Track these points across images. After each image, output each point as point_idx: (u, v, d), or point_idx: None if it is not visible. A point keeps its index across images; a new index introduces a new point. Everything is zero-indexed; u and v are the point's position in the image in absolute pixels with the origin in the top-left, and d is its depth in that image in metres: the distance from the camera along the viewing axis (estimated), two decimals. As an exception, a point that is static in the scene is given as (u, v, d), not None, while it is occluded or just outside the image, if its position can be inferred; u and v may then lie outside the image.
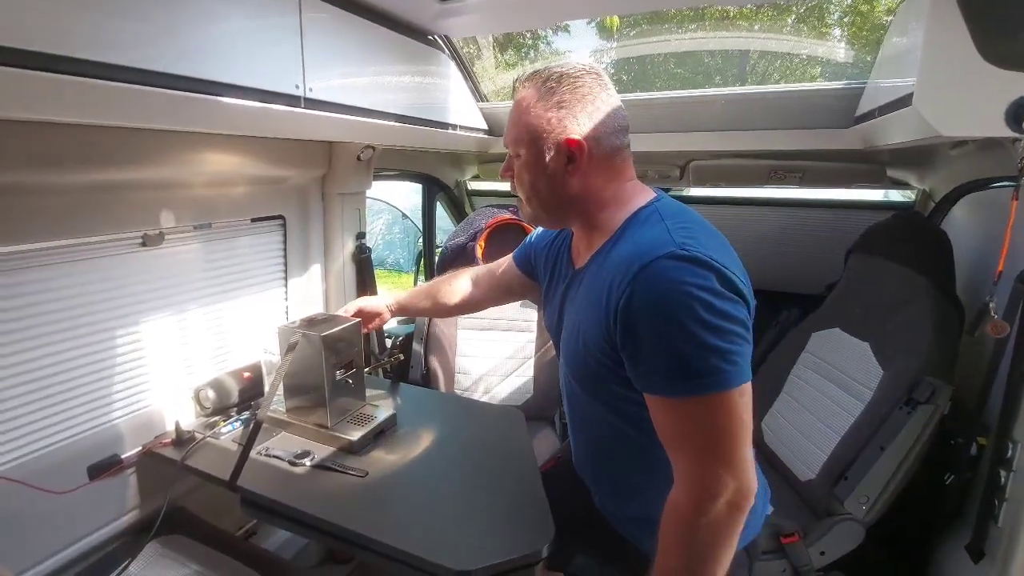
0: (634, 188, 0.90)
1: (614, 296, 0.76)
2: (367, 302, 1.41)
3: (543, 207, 0.90)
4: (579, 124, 0.83)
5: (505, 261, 1.32)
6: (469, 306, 1.39)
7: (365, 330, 1.39)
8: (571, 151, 0.83)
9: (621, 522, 1.01)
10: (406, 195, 7.42)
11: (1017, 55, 0.92)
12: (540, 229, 1.20)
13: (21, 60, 0.69)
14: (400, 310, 1.44)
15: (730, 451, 0.72)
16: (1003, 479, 1.15)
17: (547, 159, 0.85)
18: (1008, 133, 0.94)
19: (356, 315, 1.37)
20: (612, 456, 0.96)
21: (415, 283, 2.48)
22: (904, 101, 1.06)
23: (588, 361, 0.85)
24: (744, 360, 0.72)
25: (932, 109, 0.97)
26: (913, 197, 1.85)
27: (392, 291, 1.48)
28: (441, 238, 2.54)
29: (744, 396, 0.72)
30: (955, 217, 1.64)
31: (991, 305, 1.08)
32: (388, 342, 2.02)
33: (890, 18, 1.44)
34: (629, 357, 0.77)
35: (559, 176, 0.85)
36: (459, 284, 1.38)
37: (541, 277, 1.14)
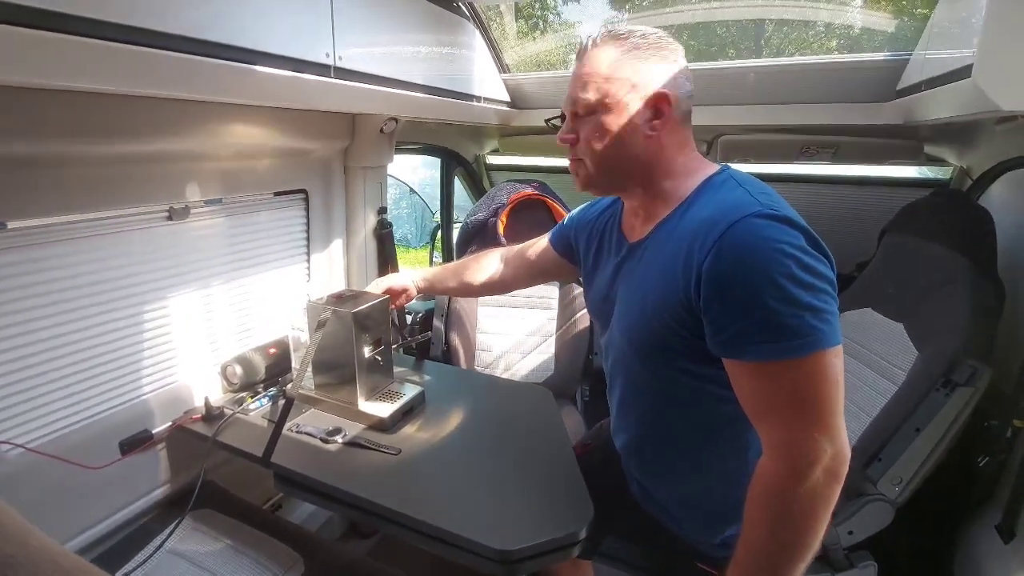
0: (700, 160, 0.88)
1: (696, 257, 0.73)
2: (394, 280, 1.39)
3: (606, 170, 0.86)
4: (665, 79, 0.82)
5: (537, 242, 1.29)
6: (498, 287, 1.36)
7: (391, 308, 1.37)
8: (659, 106, 0.81)
9: (662, 504, 1.00)
10: (413, 170, 7.35)
11: (1092, 23, 0.87)
12: (577, 211, 1.17)
13: (45, 21, 0.66)
14: (427, 288, 1.42)
15: (827, 415, 0.69)
16: (1039, 461, 1.14)
17: (631, 115, 0.82)
18: (1075, 107, 0.90)
19: (384, 293, 1.35)
20: (666, 434, 0.93)
21: (430, 259, 2.46)
22: (960, 74, 1.01)
23: (656, 333, 0.82)
24: (836, 320, 0.70)
25: (992, 82, 0.92)
26: (949, 175, 1.80)
27: (418, 269, 1.45)
28: (457, 215, 2.51)
29: (838, 358, 0.69)
30: (994, 195, 1.60)
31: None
32: (408, 319, 2.01)
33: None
34: (713, 321, 0.73)
35: (639, 135, 0.82)
36: (488, 264, 1.35)
37: (582, 257, 1.11)
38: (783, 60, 1.66)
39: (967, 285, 1.28)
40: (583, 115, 0.85)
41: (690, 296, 0.75)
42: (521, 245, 1.35)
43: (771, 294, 0.67)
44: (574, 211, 1.19)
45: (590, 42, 0.85)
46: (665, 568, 1.13)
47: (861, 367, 1.45)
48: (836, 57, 1.60)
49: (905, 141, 1.68)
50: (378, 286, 1.37)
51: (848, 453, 0.71)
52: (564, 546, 0.91)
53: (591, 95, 0.83)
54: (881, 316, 1.47)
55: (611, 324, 0.96)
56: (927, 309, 1.34)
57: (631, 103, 0.82)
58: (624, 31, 0.83)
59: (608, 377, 1.04)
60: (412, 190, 7.23)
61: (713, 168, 0.86)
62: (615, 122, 0.83)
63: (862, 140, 1.72)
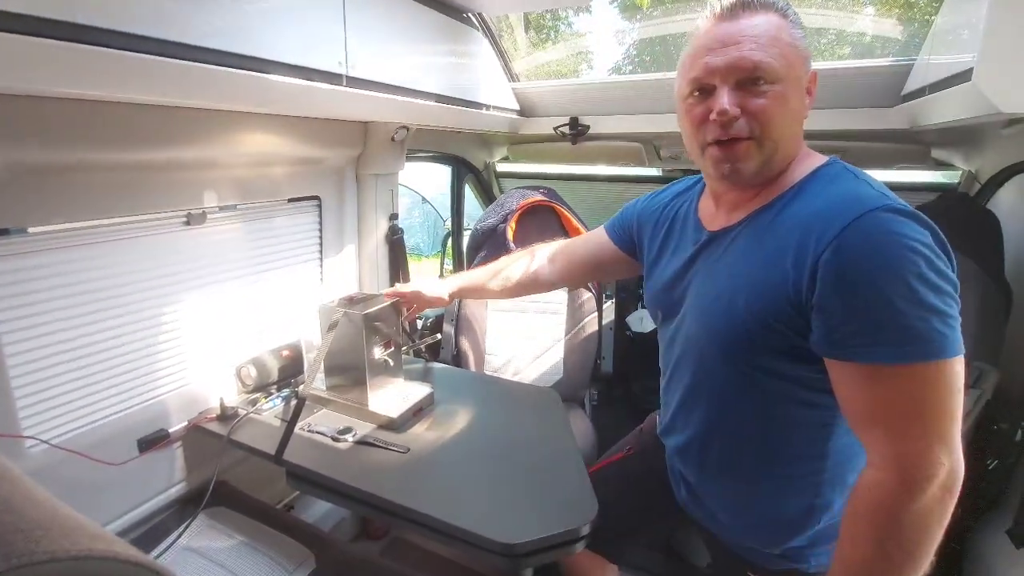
0: (808, 151, 0.84)
1: (811, 250, 0.69)
2: (427, 287, 1.35)
3: (779, 152, 0.77)
4: (809, 56, 0.78)
5: (586, 237, 1.25)
6: (543, 285, 1.29)
7: (414, 313, 1.38)
8: (812, 85, 0.78)
9: (716, 510, 0.95)
10: (425, 179, 7.43)
11: (1090, 26, 0.88)
12: (641, 200, 1.12)
13: (67, 33, 0.70)
14: (460, 293, 1.39)
15: (947, 427, 0.65)
16: (1052, 464, 1.13)
17: (802, 90, 0.77)
18: (1075, 109, 0.91)
19: (414, 297, 1.34)
20: (737, 434, 0.87)
21: (441, 266, 2.49)
22: (961, 77, 1.02)
23: (749, 327, 0.76)
24: (959, 327, 0.65)
25: (993, 86, 0.94)
26: (957, 179, 1.80)
27: (449, 277, 1.45)
28: (467, 223, 2.54)
29: (961, 366, 0.65)
30: (1001, 198, 1.59)
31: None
32: (419, 323, 2.04)
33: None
34: (829, 318, 0.68)
35: (801, 117, 0.78)
36: (530, 262, 1.29)
37: (646, 248, 1.06)
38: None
39: (974, 288, 1.28)
40: (761, 84, 0.73)
41: (800, 291, 0.70)
42: (566, 241, 1.30)
43: (899, 293, 0.63)
44: (636, 201, 1.13)
45: (746, 5, 0.75)
46: None
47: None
48: (842, 63, 1.62)
49: (912, 145, 1.68)
50: (409, 288, 1.36)
51: (962, 466, 0.67)
52: (568, 541, 0.92)
53: (775, 59, 0.72)
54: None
55: (681, 315, 0.91)
56: (935, 312, 1.34)
57: (802, 76, 0.76)
58: (782, 3, 0.76)
59: (669, 372, 0.99)
60: (424, 199, 7.31)
61: (821, 158, 0.81)
62: (796, 96, 0.75)
63: (870, 145, 1.73)
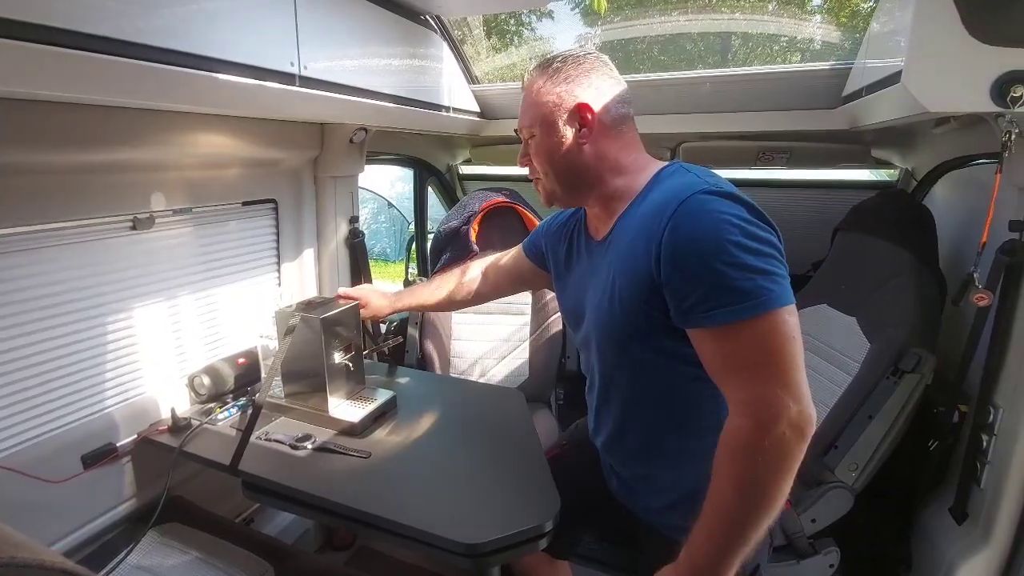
0: (649, 158, 0.95)
1: (655, 237, 0.78)
2: (374, 296, 1.41)
3: (560, 182, 0.94)
4: (585, 91, 0.90)
5: (511, 252, 1.34)
6: (476, 299, 1.40)
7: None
8: (581, 115, 0.89)
9: (645, 497, 1.01)
10: (391, 184, 7.36)
11: (1002, 30, 0.95)
12: (546, 220, 1.22)
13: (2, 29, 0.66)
14: (402, 308, 1.47)
15: (787, 372, 0.72)
16: (985, 443, 1.20)
17: (560, 129, 0.90)
18: (993, 108, 0.97)
19: (362, 304, 1.37)
20: (647, 420, 0.95)
21: (406, 269, 2.46)
22: (892, 79, 1.08)
23: (627, 316, 0.85)
24: (786, 282, 0.74)
25: (921, 86, 0.99)
26: (896, 176, 1.90)
27: (399, 291, 1.52)
28: (431, 226, 2.53)
29: (792, 316, 0.73)
30: (936, 194, 1.69)
31: (975, 276, 1.12)
32: (383, 327, 2.01)
33: (869, 5, 1.47)
34: (674, 293, 0.77)
35: (573, 145, 0.90)
36: (465, 277, 1.39)
37: (552, 263, 1.16)
38: (737, 70, 1.74)
39: (912, 278, 1.36)
40: (527, 138, 0.96)
41: (652, 273, 0.79)
42: (496, 256, 1.39)
43: (720, 259, 0.72)
44: (544, 220, 1.24)
45: (526, 77, 0.96)
46: (646, 566, 1.13)
47: (820, 361, 1.51)
48: (786, 67, 1.68)
49: (853, 145, 1.77)
50: (351, 291, 1.40)
51: (812, 413, 0.73)
52: (531, 538, 0.92)
53: (527, 120, 0.94)
54: (836, 311, 1.53)
55: (584, 322, 0.99)
56: (876, 302, 1.41)
57: (557, 120, 0.90)
58: (549, 59, 0.93)
59: (588, 376, 1.06)
60: (390, 204, 7.24)
61: (663, 163, 0.92)
62: (550, 140, 0.92)
63: (814, 145, 1.81)
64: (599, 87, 0.91)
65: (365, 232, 1.88)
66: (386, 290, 1.46)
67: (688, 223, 0.75)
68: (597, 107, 0.89)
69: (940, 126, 1.44)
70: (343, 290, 1.42)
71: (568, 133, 0.90)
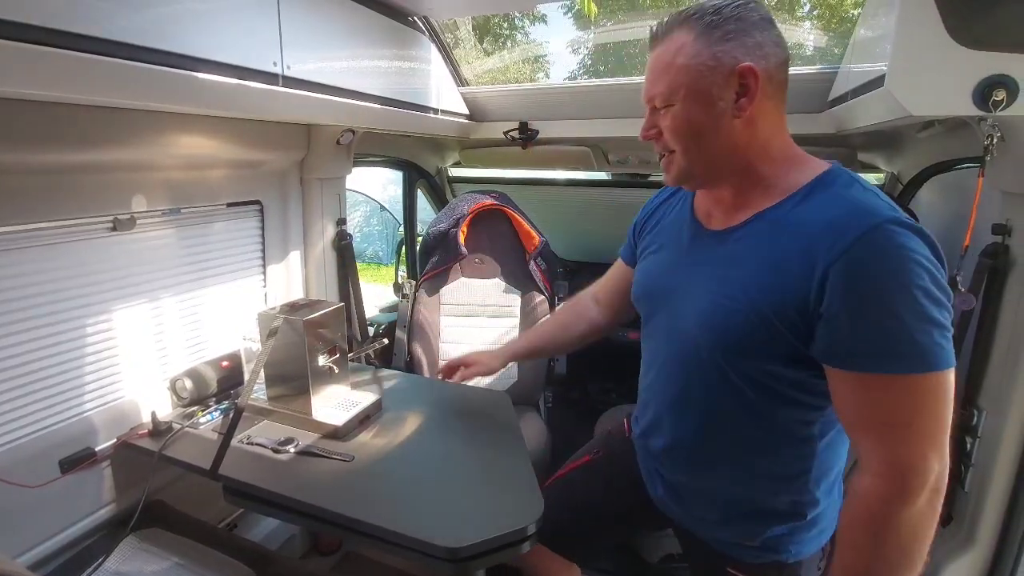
0: (799, 149, 0.83)
1: (822, 259, 0.69)
2: (479, 354, 1.30)
3: (702, 160, 0.81)
4: (748, 52, 0.75)
5: (611, 271, 1.22)
6: (599, 329, 1.23)
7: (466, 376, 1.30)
8: (744, 80, 0.75)
9: (699, 507, 0.96)
10: (383, 187, 7.35)
11: (985, 35, 0.96)
12: (640, 214, 1.11)
13: None
14: (514, 357, 1.31)
15: (941, 434, 0.68)
16: (969, 446, 1.20)
17: (712, 98, 0.76)
18: (975, 112, 0.98)
19: (468, 363, 1.28)
20: (734, 435, 0.87)
21: (396, 273, 2.45)
22: (877, 83, 1.09)
23: (753, 328, 0.76)
24: (952, 338, 0.68)
25: (904, 90, 1.00)
26: (883, 180, 1.91)
27: (504, 346, 1.36)
28: (421, 229, 2.52)
29: (952, 376, 0.68)
30: (922, 198, 1.70)
31: (958, 279, 1.12)
32: (371, 331, 2.00)
33: (857, 11, 1.48)
34: (836, 328, 0.69)
35: (725, 118, 0.77)
36: (577, 311, 1.25)
37: (639, 247, 1.06)
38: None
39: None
40: (661, 108, 0.80)
41: (808, 298, 0.71)
42: (599, 281, 1.25)
43: (906, 307, 0.65)
44: (637, 216, 1.13)
45: (659, 29, 0.80)
46: None
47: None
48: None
49: (840, 149, 1.77)
50: (467, 360, 1.30)
51: (948, 467, 0.70)
52: (514, 542, 0.91)
53: (663, 87, 0.79)
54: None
55: (672, 312, 0.90)
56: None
57: (710, 87, 0.76)
58: (694, 10, 0.77)
59: (655, 370, 0.97)
60: (383, 207, 7.22)
61: (822, 163, 0.81)
62: (697, 111, 0.77)
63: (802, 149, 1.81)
64: (763, 47, 0.75)
65: (358, 235, 1.87)
66: (491, 353, 1.31)
67: (874, 257, 0.66)
68: (762, 69, 0.74)
69: (925, 130, 1.45)
70: (451, 361, 1.29)
71: (721, 103, 0.76)
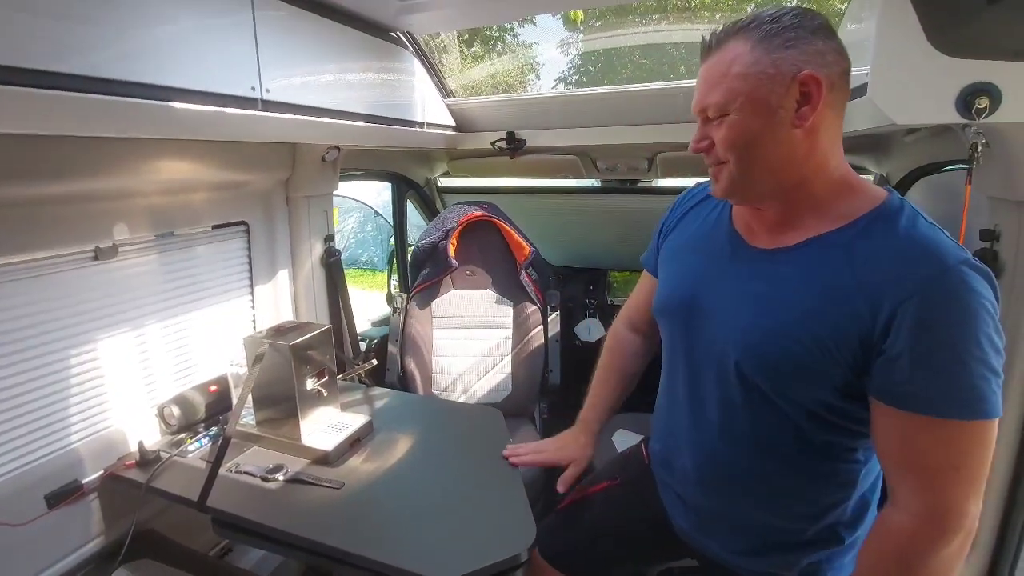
0: (853, 172, 0.81)
1: (891, 294, 0.68)
2: (561, 448, 1.14)
3: (756, 171, 0.77)
4: (810, 60, 0.71)
5: (640, 285, 1.16)
6: (647, 355, 1.18)
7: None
8: (805, 88, 0.71)
9: (728, 536, 0.93)
10: (377, 192, 7.32)
11: (965, 42, 0.95)
12: (664, 217, 1.06)
13: None
14: (597, 427, 1.17)
15: (982, 480, 0.69)
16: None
17: (774, 106, 0.72)
18: (958, 119, 0.97)
19: (570, 463, 1.11)
20: (776, 464, 0.84)
21: (388, 283, 2.43)
22: (859, 91, 1.08)
23: (807, 358, 0.74)
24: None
25: (886, 98, 0.99)
26: (872, 182, 1.90)
27: (583, 424, 1.18)
28: (413, 235, 2.50)
29: (997, 425, 0.68)
30: (911, 199, 1.69)
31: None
32: (363, 346, 1.99)
33: (844, 6, 1.47)
34: (893, 365, 0.68)
35: (786, 127, 0.73)
36: (626, 351, 1.19)
37: (662, 250, 1.03)
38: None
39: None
40: (714, 118, 0.77)
41: (871, 333, 0.69)
42: (630, 306, 1.20)
43: (972, 353, 0.65)
44: (661, 220, 1.08)
45: (713, 39, 0.77)
46: None
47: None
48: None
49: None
50: (560, 453, 1.14)
51: (980, 509, 0.70)
52: (505, 570, 0.90)
53: (718, 96, 0.75)
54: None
55: (708, 330, 0.87)
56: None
57: (769, 97, 0.72)
58: (750, 20, 0.75)
59: (681, 392, 0.94)
60: (376, 212, 7.20)
61: (878, 190, 0.80)
62: (754, 119, 0.74)
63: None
64: (825, 54, 0.72)
65: (353, 241, 1.85)
66: (576, 435, 1.16)
67: (947, 302, 0.66)
68: (824, 80, 0.71)
69: (911, 134, 1.44)
70: (565, 479, 1.10)
71: (781, 112, 0.72)
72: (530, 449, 1.16)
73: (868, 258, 0.72)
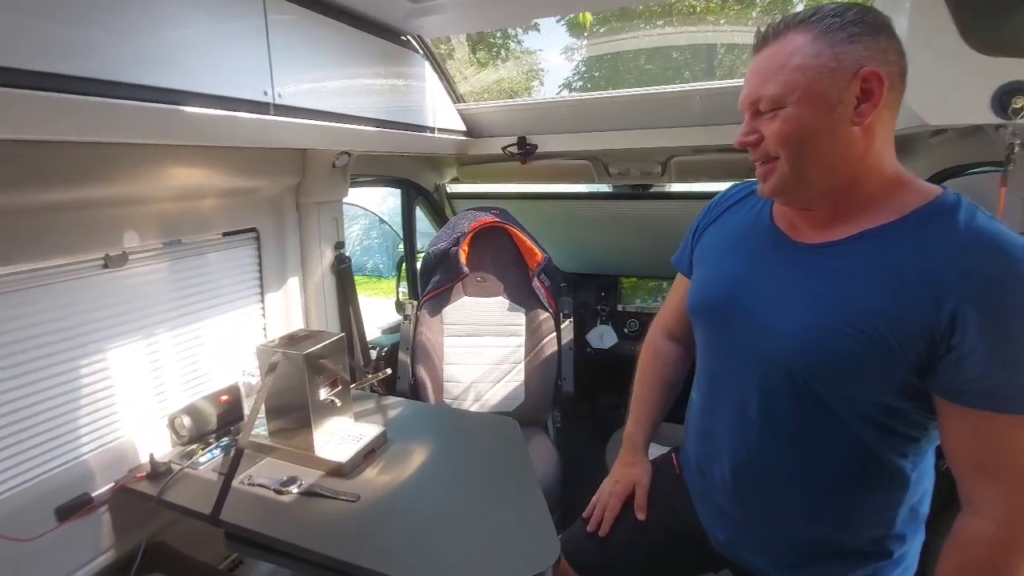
0: (909, 173, 0.77)
1: (953, 289, 0.65)
2: (630, 473, 1.09)
3: (809, 169, 0.74)
4: (873, 55, 0.69)
5: (674, 290, 1.13)
6: (686, 363, 1.14)
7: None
8: (867, 85, 0.69)
9: (775, 551, 0.89)
10: (383, 199, 7.34)
11: (1001, 40, 0.92)
12: (699, 218, 1.03)
13: None
14: (647, 442, 1.13)
15: None
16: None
17: (834, 101, 0.69)
18: (994, 119, 0.94)
19: (634, 485, 1.08)
20: (829, 469, 0.80)
21: (396, 290, 2.41)
22: (889, 91, 1.05)
23: (866, 356, 0.71)
24: None
25: (918, 98, 0.96)
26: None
27: (630, 444, 1.14)
28: (421, 242, 2.48)
29: None
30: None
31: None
32: (373, 353, 1.96)
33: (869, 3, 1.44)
34: (964, 363, 0.66)
35: (844, 123, 0.70)
36: (666, 361, 1.14)
37: (697, 249, 1.00)
38: (728, 82, 1.71)
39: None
40: (766, 111, 0.74)
41: (935, 330, 0.67)
42: (666, 313, 1.16)
43: None
44: (695, 222, 1.05)
45: (770, 30, 0.74)
46: None
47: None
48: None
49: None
50: (621, 483, 1.10)
51: None
52: (529, 589, 0.87)
53: (775, 88, 0.72)
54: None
55: (751, 330, 0.83)
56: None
57: (829, 91, 0.69)
58: (811, 12, 0.72)
59: (720, 393, 0.90)
60: (382, 220, 7.20)
61: (932, 186, 0.76)
62: (812, 113, 0.71)
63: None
64: (887, 53, 0.69)
65: (358, 249, 1.83)
66: (632, 460, 1.11)
67: (1016, 294, 0.64)
68: (886, 78, 0.68)
69: (937, 135, 1.41)
70: (617, 502, 1.07)
71: (841, 108, 0.70)
72: (602, 506, 1.08)
73: (925, 252, 0.69)
